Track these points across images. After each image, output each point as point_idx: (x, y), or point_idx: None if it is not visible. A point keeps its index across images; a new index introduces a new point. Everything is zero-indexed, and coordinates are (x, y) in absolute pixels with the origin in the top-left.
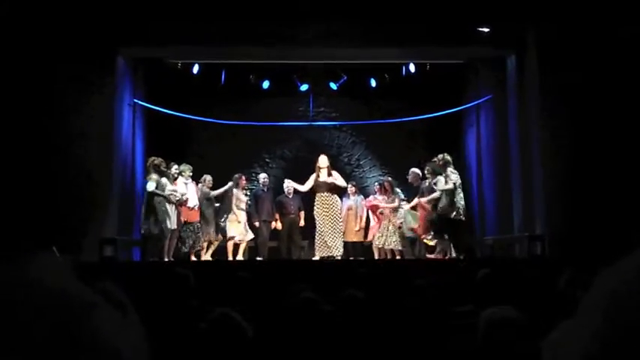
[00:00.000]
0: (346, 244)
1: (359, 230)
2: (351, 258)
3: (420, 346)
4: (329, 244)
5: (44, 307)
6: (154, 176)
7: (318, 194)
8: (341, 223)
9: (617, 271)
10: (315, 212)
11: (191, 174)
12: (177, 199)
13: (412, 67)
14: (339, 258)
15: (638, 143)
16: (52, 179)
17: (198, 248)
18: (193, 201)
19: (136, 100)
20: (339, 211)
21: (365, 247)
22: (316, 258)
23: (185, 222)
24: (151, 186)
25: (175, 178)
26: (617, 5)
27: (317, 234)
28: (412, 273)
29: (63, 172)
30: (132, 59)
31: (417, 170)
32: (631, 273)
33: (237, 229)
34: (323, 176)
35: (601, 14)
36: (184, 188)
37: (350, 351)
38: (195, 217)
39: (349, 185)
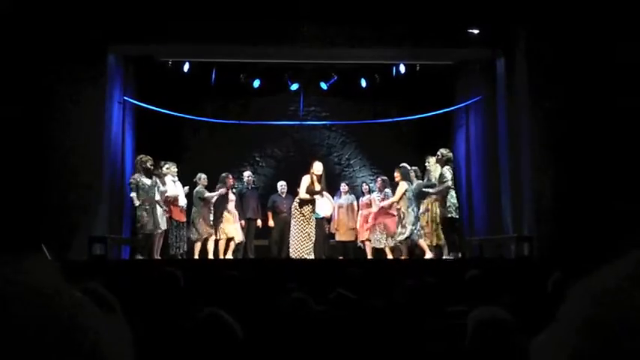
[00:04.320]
0: (338, 244)
1: (350, 229)
2: (340, 257)
3: (411, 346)
4: (296, 248)
5: (31, 309)
6: (133, 180)
7: (301, 199)
8: (312, 227)
9: (599, 277)
10: (292, 214)
11: (176, 170)
12: (167, 197)
13: (402, 68)
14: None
15: (629, 143)
16: (42, 177)
17: (183, 249)
18: (182, 200)
19: (126, 98)
20: (312, 217)
21: (356, 247)
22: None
23: (174, 219)
24: (132, 194)
25: (165, 175)
26: (606, 7)
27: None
28: (404, 272)
29: (52, 170)
30: (122, 57)
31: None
32: (616, 278)
33: (233, 228)
34: (315, 184)
35: (590, 16)
36: (174, 187)
37: (341, 351)
38: (182, 216)
39: (342, 184)
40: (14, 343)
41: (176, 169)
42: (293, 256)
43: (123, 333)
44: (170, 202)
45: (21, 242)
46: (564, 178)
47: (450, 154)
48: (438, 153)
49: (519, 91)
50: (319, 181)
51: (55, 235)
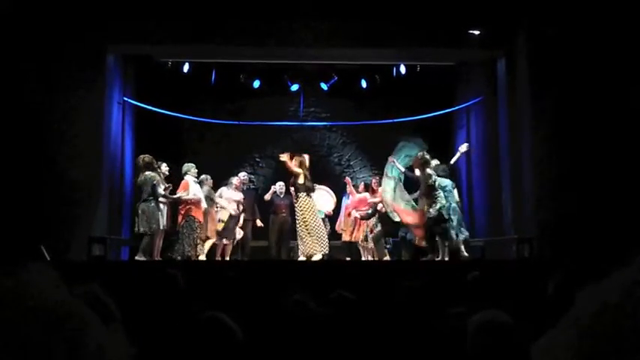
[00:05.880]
0: (343, 244)
1: (353, 230)
2: (348, 258)
3: (411, 348)
4: (317, 243)
5: (32, 319)
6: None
7: (296, 197)
8: (320, 223)
9: (609, 281)
10: (297, 215)
11: (196, 171)
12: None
13: (403, 69)
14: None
15: (629, 145)
16: (41, 178)
17: (196, 247)
18: (203, 201)
19: (125, 99)
20: (316, 212)
21: (355, 247)
22: (302, 258)
23: (196, 220)
24: (160, 190)
25: (167, 176)
26: (607, 7)
27: (305, 234)
28: (404, 274)
29: (51, 170)
30: (122, 57)
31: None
32: (625, 284)
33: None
34: (300, 179)
35: (591, 16)
36: (195, 188)
37: (340, 353)
38: (201, 215)
39: (347, 185)
40: (15, 357)
41: (196, 170)
42: (302, 257)
43: (123, 345)
44: (193, 203)
45: (20, 245)
46: (565, 179)
47: (427, 157)
48: (417, 156)
49: (520, 92)
50: (302, 176)
51: (54, 236)
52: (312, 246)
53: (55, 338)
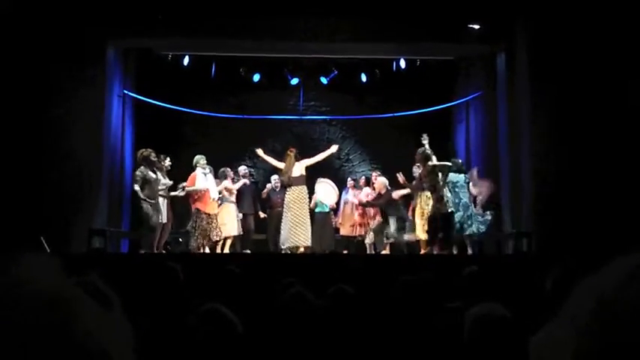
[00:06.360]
0: (342, 238)
1: (353, 225)
2: (345, 252)
3: (408, 342)
4: (297, 235)
5: (30, 308)
6: (139, 173)
7: (287, 190)
8: (306, 215)
9: (606, 274)
10: (285, 205)
11: (205, 162)
12: (175, 192)
13: (403, 63)
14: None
15: (628, 140)
16: (41, 170)
17: (215, 239)
18: (214, 192)
19: (125, 92)
20: (307, 203)
21: (358, 242)
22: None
23: (202, 212)
24: (136, 187)
25: (169, 171)
26: (608, 3)
27: (288, 225)
28: (402, 268)
29: (52, 163)
30: (122, 50)
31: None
32: (621, 277)
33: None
34: (294, 171)
35: (591, 10)
36: (204, 181)
37: (339, 346)
38: (214, 208)
39: (348, 179)
40: (13, 345)
41: (205, 162)
42: (283, 245)
43: (123, 332)
44: (198, 196)
45: (20, 236)
46: (564, 174)
47: (429, 152)
48: (418, 151)
49: (520, 86)
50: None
51: (54, 228)
52: (286, 237)
53: (52, 329)
